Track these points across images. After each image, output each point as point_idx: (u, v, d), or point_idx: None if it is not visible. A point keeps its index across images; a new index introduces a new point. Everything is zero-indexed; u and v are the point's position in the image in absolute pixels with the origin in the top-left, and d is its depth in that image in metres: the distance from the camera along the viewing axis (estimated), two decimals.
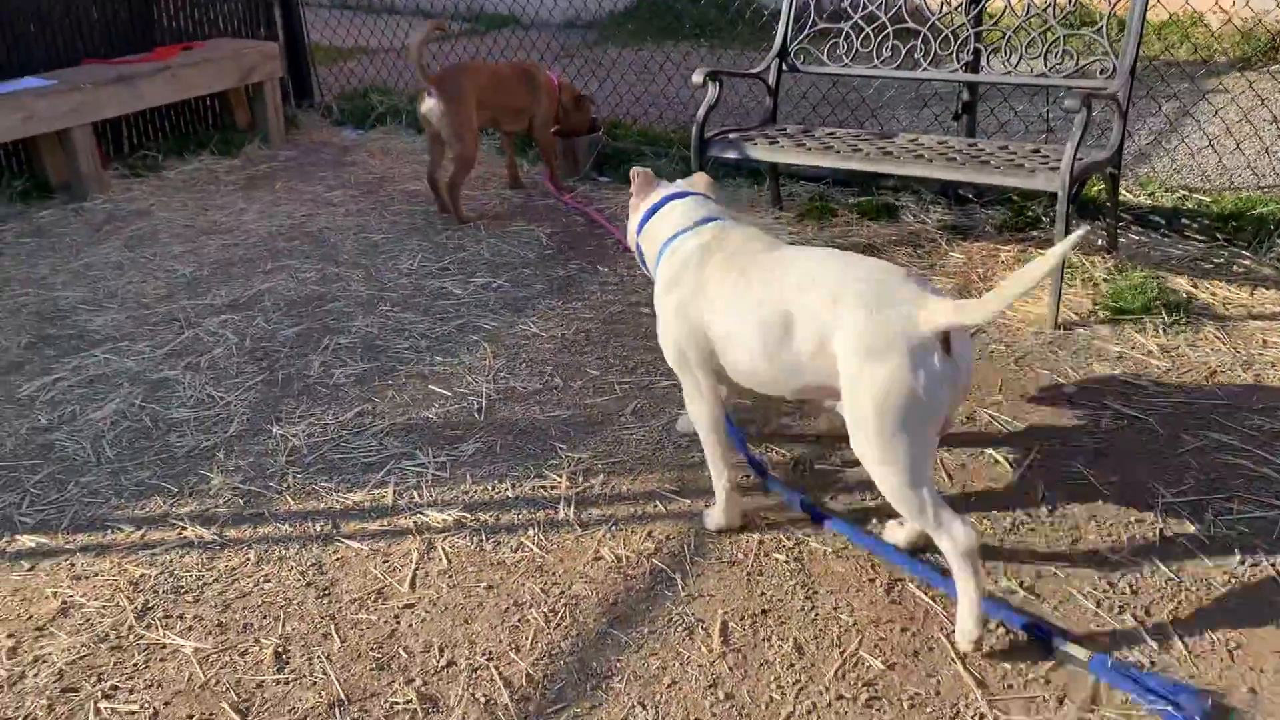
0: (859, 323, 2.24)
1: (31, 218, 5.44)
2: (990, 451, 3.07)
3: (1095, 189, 4.63)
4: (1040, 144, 4.20)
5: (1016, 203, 4.77)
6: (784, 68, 4.81)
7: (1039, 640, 2.33)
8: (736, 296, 2.49)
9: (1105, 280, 4.06)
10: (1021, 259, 4.35)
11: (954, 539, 2.23)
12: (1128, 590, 2.49)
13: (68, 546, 2.86)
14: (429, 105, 4.98)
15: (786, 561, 2.65)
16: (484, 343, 3.92)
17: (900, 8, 4.55)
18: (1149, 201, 4.67)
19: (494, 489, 3.03)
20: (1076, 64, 4.12)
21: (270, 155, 6.47)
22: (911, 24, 4.57)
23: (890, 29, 4.57)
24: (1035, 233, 4.60)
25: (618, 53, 8.51)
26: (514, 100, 5.28)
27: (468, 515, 2.91)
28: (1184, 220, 4.52)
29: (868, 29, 4.61)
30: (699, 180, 2.97)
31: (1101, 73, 4.06)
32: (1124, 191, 4.60)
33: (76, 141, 5.59)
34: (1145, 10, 3.97)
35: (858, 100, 6.17)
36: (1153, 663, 2.27)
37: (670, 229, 2.76)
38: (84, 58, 6.19)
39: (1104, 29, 4.05)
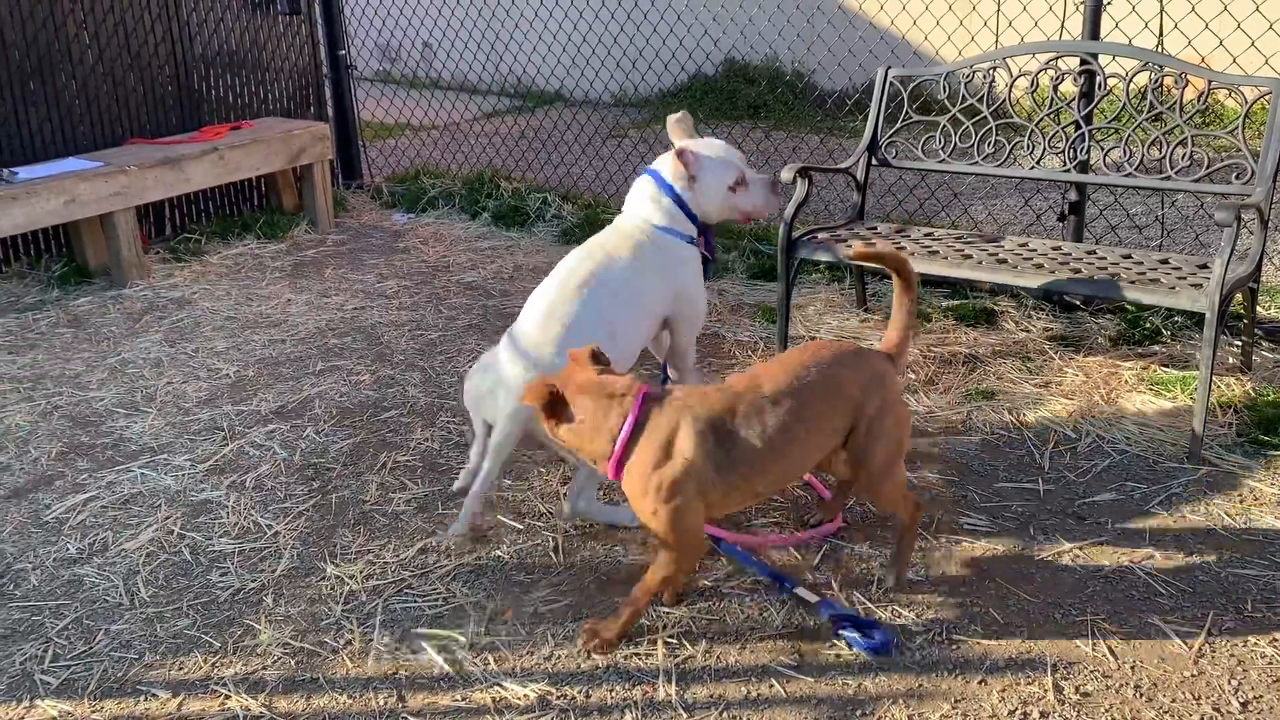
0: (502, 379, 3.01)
1: (68, 305, 5.16)
2: (1157, 622, 2.66)
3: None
4: (1167, 253, 3.84)
5: (1131, 313, 4.38)
6: (873, 162, 4.49)
7: (785, 590, 2.80)
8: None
9: (1247, 407, 3.65)
10: (1145, 377, 3.96)
11: None
12: None
13: (95, 717, 2.48)
14: None
15: None
16: (555, 465, 3.55)
17: (1004, 101, 4.23)
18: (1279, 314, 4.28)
19: (581, 654, 2.63)
20: (1206, 167, 3.77)
21: (318, 240, 6.19)
22: (1016, 119, 4.24)
23: (993, 123, 4.23)
24: (1156, 347, 4.20)
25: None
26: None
27: (553, 690, 2.51)
28: None
29: (968, 123, 4.29)
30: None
31: (1238, 177, 3.70)
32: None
33: (119, 226, 5.33)
34: None
35: (927, 189, 5.85)
36: None
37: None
38: (129, 137, 5.96)
39: (1239, 129, 3.70)
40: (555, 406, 2.53)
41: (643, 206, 3.31)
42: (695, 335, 3.42)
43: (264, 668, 2.63)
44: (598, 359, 2.59)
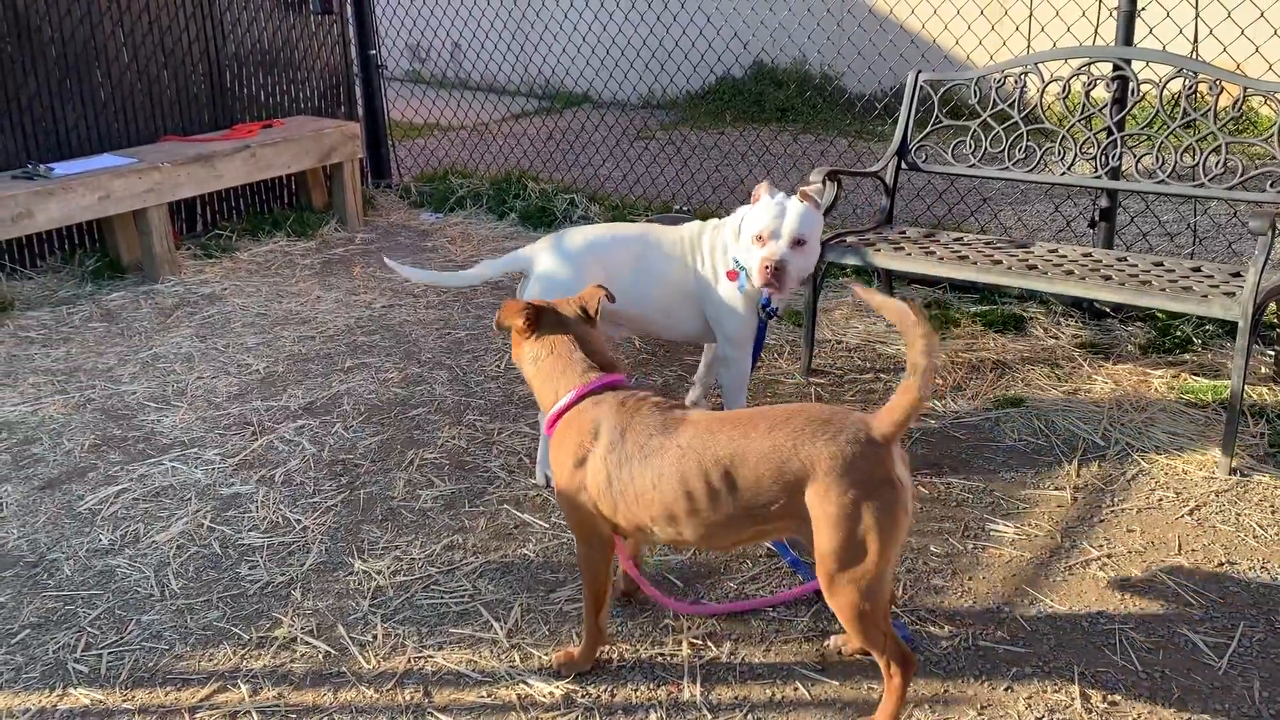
0: None
1: (101, 300, 5.23)
2: (1186, 633, 2.64)
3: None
4: (1199, 261, 3.81)
5: (1161, 321, 4.35)
6: (903, 166, 4.47)
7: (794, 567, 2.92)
8: None
9: (1279, 417, 3.62)
10: (1175, 386, 3.93)
11: None
12: None
13: (126, 706, 2.51)
14: None
15: None
16: None
17: (1036, 106, 4.21)
18: None
19: (605, 652, 2.64)
20: (1240, 174, 3.74)
21: (347, 238, 6.24)
22: (1047, 124, 4.22)
23: (1024, 129, 4.22)
24: (1186, 356, 4.17)
25: (698, 136, 8.28)
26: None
27: (577, 688, 2.53)
28: None
29: (998, 127, 4.27)
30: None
31: (1273, 185, 3.67)
32: None
33: (152, 222, 5.39)
34: None
35: (956, 194, 5.83)
36: None
37: None
38: (163, 134, 6.03)
39: (1275, 136, 3.67)
40: (532, 323, 2.52)
41: (726, 219, 3.44)
42: (732, 351, 3.42)
43: (292, 661, 2.66)
44: (587, 315, 2.54)
